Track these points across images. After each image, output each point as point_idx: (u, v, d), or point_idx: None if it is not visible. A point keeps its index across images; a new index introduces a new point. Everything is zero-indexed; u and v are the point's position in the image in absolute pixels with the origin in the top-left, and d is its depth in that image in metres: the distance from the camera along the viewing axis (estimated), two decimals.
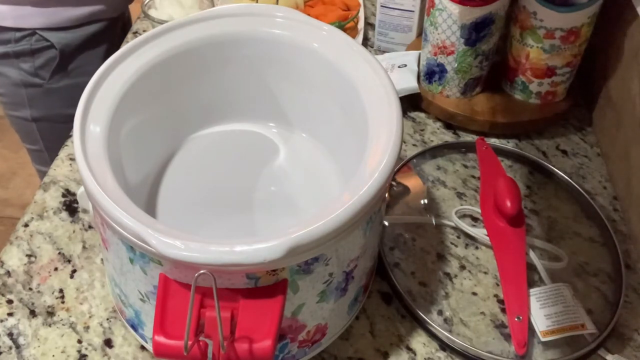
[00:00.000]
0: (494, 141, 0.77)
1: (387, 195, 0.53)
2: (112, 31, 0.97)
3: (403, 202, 0.69)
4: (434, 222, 0.67)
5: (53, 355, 0.56)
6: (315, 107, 0.63)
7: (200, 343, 0.43)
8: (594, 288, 0.62)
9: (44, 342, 0.57)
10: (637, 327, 0.59)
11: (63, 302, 0.60)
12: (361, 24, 0.92)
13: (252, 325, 0.43)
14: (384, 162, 0.48)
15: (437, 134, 0.79)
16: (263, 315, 0.44)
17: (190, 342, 0.42)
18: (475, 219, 0.68)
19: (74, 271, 0.62)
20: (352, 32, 0.91)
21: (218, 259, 0.41)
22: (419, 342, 0.58)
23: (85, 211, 0.67)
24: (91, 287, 0.61)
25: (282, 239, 0.42)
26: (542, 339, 0.56)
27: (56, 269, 0.62)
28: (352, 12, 0.93)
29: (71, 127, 0.97)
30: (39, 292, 0.60)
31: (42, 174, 1.09)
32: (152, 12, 0.87)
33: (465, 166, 0.74)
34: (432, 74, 0.79)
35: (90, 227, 0.66)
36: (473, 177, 0.73)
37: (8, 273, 0.62)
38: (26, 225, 0.66)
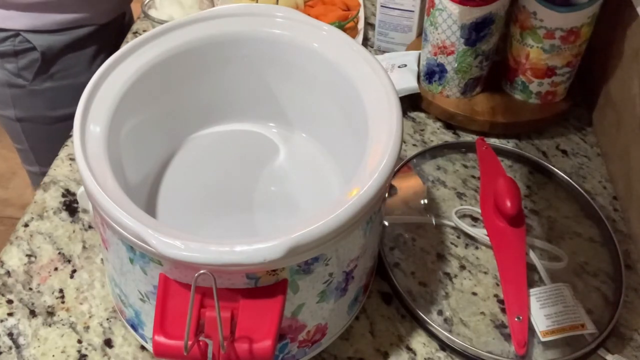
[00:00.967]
0: (494, 141, 0.77)
1: (387, 195, 0.53)
2: (101, 35, 0.96)
3: (403, 202, 0.69)
4: (434, 222, 0.67)
5: (53, 355, 0.56)
6: (315, 107, 0.63)
7: (200, 343, 0.43)
8: (594, 288, 0.62)
9: (44, 342, 0.57)
10: (637, 327, 0.59)
11: (63, 302, 0.60)
12: (361, 24, 0.92)
13: (252, 325, 0.43)
14: (384, 162, 0.48)
15: (437, 134, 0.79)
16: (263, 315, 0.44)
17: (190, 342, 0.42)
18: (475, 219, 0.68)
19: (74, 271, 0.62)
20: (352, 32, 0.91)
21: (218, 259, 0.41)
22: (419, 342, 0.58)
23: (85, 211, 0.67)
24: (91, 287, 0.61)
25: (282, 239, 0.42)
26: (542, 339, 0.56)
27: (56, 269, 0.62)
28: (352, 12, 0.93)
29: (56, 129, 0.96)
30: (39, 292, 0.60)
31: (30, 174, 1.09)
32: (152, 12, 0.87)
33: (465, 166, 0.74)
34: (432, 74, 0.79)
35: (90, 227, 0.66)
36: (473, 177, 0.73)
37: (8, 273, 0.62)
38: (26, 225, 0.66)
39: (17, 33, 0.88)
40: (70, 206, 0.68)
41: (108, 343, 0.57)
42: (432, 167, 0.73)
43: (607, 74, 0.78)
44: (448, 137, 0.79)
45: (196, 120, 0.66)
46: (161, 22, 0.84)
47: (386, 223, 0.66)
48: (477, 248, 0.65)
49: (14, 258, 0.63)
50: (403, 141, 0.51)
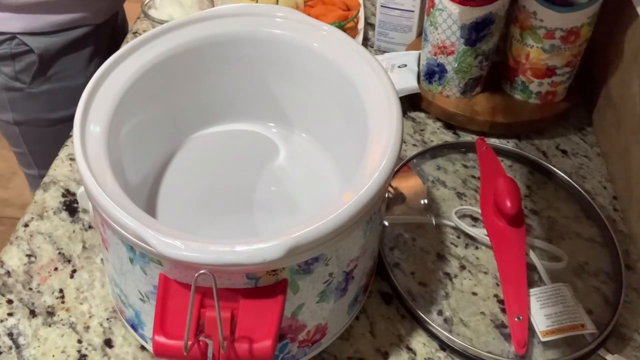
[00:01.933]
0: (494, 141, 0.77)
1: (386, 195, 0.53)
2: (97, 36, 0.95)
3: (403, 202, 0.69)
4: (434, 222, 0.67)
5: (53, 355, 0.56)
6: (315, 107, 0.63)
7: (200, 343, 0.43)
8: (594, 288, 0.62)
9: (44, 342, 0.57)
10: (637, 327, 0.59)
11: (63, 302, 0.60)
12: (361, 24, 0.91)
13: (252, 325, 0.43)
14: (384, 162, 0.48)
15: (437, 134, 0.79)
16: (263, 315, 0.44)
17: (190, 342, 0.42)
18: (475, 219, 0.68)
19: (74, 271, 0.62)
20: (352, 32, 0.91)
21: (218, 259, 0.41)
22: (419, 342, 0.58)
23: (85, 211, 0.67)
24: (91, 287, 0.61)
25: (282, 239, 0.42)
26: (542, 339, 0.56)
27: (56, 269, 0.62)
28: (352, 12, 0.93)
29: (54, 131, 0.96)
30: (39, 292, 0.60)
31: (29, 177, 1.08)
32: (152, 12, 0.87)
33: (465, 166, 0.74)
34: (432, 74, 0.79)
35: (90, 227, 0.66)
36: (473, 177, 0.73)
37: (8, 273, 0.62)
38: (26, 225, 0.66)
39: (13, 36, 0.88)
40: (70, 206, 0.68)
41: (108, 343, 0.57)
42: (432, 167, 0.73)
43: (607, 74, 0.78)
44: (448, 137, 0.79)
45: (196, 120, 0.66)
46: (161, 22, 0.84)
47: (386, 223, 0.66)
48: (477, 248, 0.65)
49: (14, 258, 0.63)
50: (403, 141, 0.51)
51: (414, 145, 0.77)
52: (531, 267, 0.62)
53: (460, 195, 0.70)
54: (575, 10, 0.70)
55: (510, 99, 0.80)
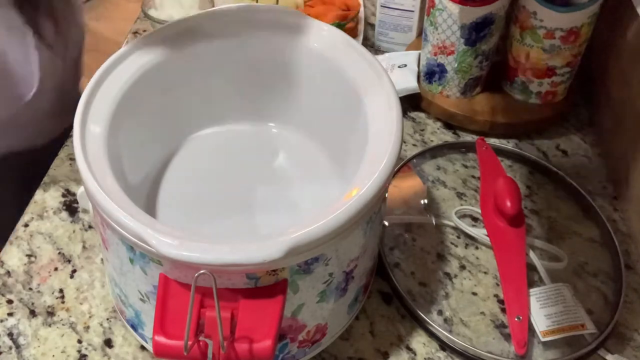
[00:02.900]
0: (494, 141, 0.77)
1: (386, 195, 0.53)
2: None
3: (403, 202, 0.69)
4: (434, 222, 0.67)
5: (53, 355, 0.56)
6: (315, 107, 0.63)
7: (200, 343, 0.43)
8: (594, 288, 0.62)
9: (44, 342, 0.57)
10: (637, 327, 0.59)
11: (63, 302, 0.60)
12: (361, 24, 0.91)
13: (252, 325, 0.43)
14: (384, 162, 0.48)
15: (437, 134, 0.79)
16: (263, 315, 0.44)
17: (190, 342, 0.42)
18: (475, 219, 0.68)
19: (74, 271, 0.62)
20: (352, 32, 0.91)
21: (218, 259, 0.41)
22: (419, 342, 0.58)
23: (85, 211, 0.67)
24: (91, 287, 0.61)
25: (282, 239, 0.42)
26: (542, 339, 0.56)
27: (56, 269, 0.62)
28: (352, 12, 0.93)
29: None
30: (39, 292, 0.60)
31: None
32: (152, 12, 0.87)
33: (465, 166, 0.74)
34: (432, 74, 0.79)
35: (90, 227, 0.66)
36: (473, 177, 0.72)
37: (8, 273, 0.62)
38: (26, 225, 0.66)
39: None
40: (70, 206, 0.68)
41: (108, 343, 0.57)
42: (432, 167, 0.73)
43: (607, 74, 0.78)
44: (448, 137, 0.78)
45: (196, 120, 0.66)
46: (161, 22, 0.84)
47: (386, 223, 0.66)
48: (477, 248, 0.65)
49: (14, 258, 0.63)
50: (403, 141, 0.51)
51: (414, 145, 0.77)
52: (531, 267, 0.62)
53: (460, 195, 0.70)
54: (575, 10, 0.70)
55: (510, 99, 0.80)
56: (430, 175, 0.73)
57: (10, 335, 0.57)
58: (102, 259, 0.63)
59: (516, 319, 0.57)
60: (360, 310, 0.59)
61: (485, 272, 0.63)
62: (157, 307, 0.44)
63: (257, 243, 0.42)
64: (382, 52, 0.90)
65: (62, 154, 0.74)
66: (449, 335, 0.57)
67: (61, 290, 0.61)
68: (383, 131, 0.50)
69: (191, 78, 0.62)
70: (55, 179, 0.71)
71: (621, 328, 0.59)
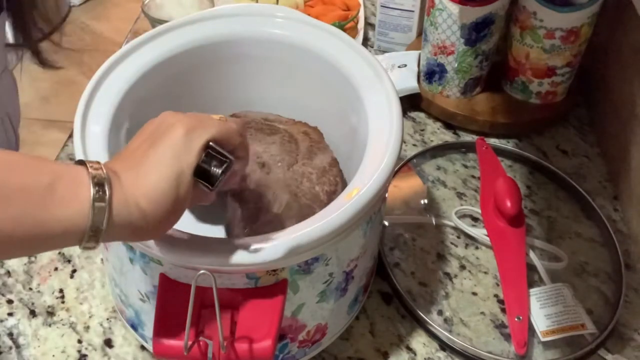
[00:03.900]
0: (494, 141, 0.77)
1: (386, 195, 0.54)
2: None
3: (403, 202, 0.69)
4: (434, 222, 0.67)
5: (53, 355, 0.56)
6: (315, 107, 0.63)
7: (200, 343, 0.43)
8: (594, 288, 0.62)
9: (44, 342, 0.57)
10: (637, 327, 0.59)
11: (63, 302, 0.60)
12: (361, 24, 0.91)
13: (252, 325, 0.43)
14: (384, 162, 0.48)
15: (437, 134, 0.79)
16: (263, 315, 0.44)
17: (190, 342, 0.42)
18: (475, 219, 0.68)
19: (74, 271, 0.62)
20: (352, 32, 0.91)
21: (218, 259, 0.41)
22: (419, 342, 0.58)
23: None
24: (91, 287, 0.61)
25: (282, 239, 0.42)
26: (542, 339, 0.56)
27: (56, 269, 0.62)
28: (352, 12, 0.93)
29: None
30: (39, 292, 0.60)
31: None
32: (152, 12, 0.87)
33: (465, 166, 0.74)
34: (432, 74, 0.79)
35: None
36: (473, 177, 0.72)
37: (8, 273, 0.62)
38: None
39: None
40: None
41: (108, 343, 0.57)
42: (432, 167, 0.73)
43: (607, 74, 0.78)
44: (448, 137, 0.78)
45: None
46: (161, 22, 0.84)
47: (386, 223, 0.66)
48: (477, 248, 0.65)
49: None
50: (403, 141, 0.51)
51: (414, 145, 0.77)
52: (531, 267, 0.62)
53: (460, 195, 0.70)
54: (575, 10, 0.70)
55: (510, 99, 0.80)
56: (430, 175, 0.73)
57: (10, 335, 0.57)
58: (102, 259, 0.63)
59: (516, 319, 0.57)
60: (360, 310, 0.59)
61: (485, 272, 0.63)
62: (157, 307, 0.44)
63: (257, 243, 0.42)
64: (382, 52, 0.90)
65: (62, 154, 0.74)
66: (449, 335, 0.57)
67: (61, 290, 0.61)
68: (383, 131, 0.50)
69: (191, 78, 0.62)
70: None
71: (621, 328, 0.59)
